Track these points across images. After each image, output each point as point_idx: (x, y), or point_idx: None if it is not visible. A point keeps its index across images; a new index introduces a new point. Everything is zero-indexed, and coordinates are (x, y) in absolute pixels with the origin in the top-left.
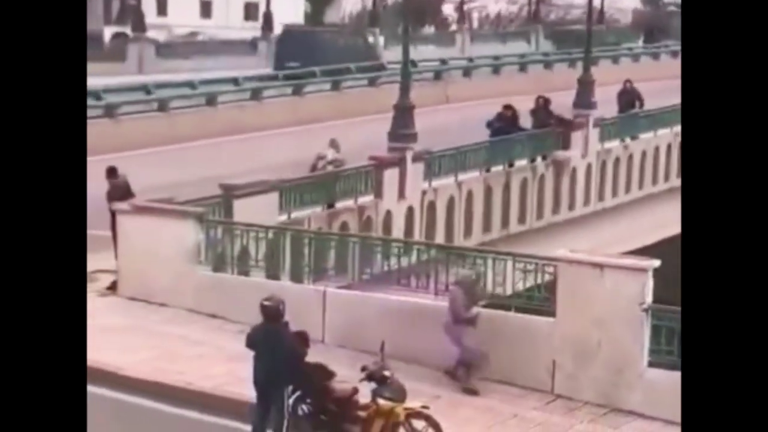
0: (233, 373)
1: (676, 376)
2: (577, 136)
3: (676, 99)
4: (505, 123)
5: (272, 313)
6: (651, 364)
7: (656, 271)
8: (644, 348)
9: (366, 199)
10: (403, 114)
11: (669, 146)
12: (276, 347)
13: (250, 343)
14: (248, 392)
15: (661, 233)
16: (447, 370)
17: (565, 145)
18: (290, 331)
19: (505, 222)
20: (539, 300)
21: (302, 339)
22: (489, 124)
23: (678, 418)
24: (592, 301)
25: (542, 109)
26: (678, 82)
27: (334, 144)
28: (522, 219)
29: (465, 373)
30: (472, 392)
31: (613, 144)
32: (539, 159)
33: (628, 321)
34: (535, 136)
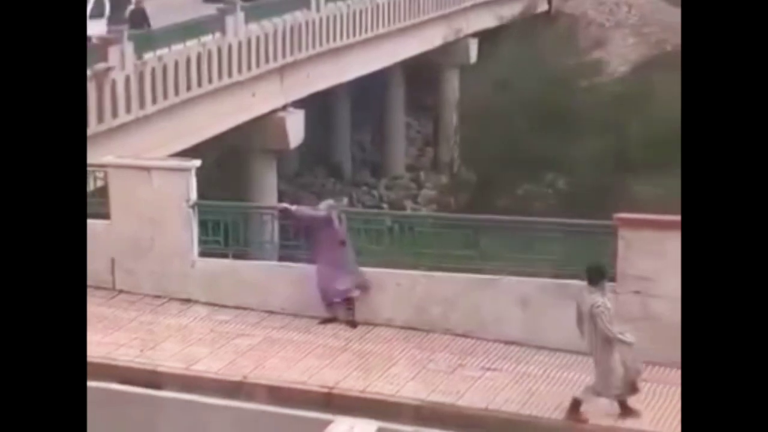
0: None
1: (224, 263)
2: (114, 50)
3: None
4: None
5: None
6: (201, 254)
7: (198, 170)
8: (194, 241)
9: None
10: None
11: (199, 55)
12: None
13: None
14: None
15: (199, 136)
16: (326, 319)
17: (104, 59)
18: None
19: None
20: (94, 205)
21: None
22: None
23: (228, 301)
24: (142, 201)
25: None
26: None
27: None
28: None
29: (348, 308)
30: (355, 324)
31: (149, 55)
32: None
33: (177, 217)
34: None
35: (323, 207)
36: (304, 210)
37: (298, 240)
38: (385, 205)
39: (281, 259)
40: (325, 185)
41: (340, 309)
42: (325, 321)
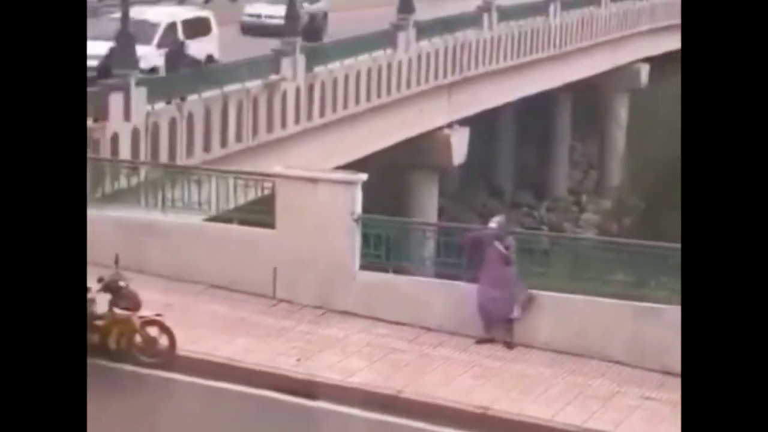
0: None
1: (384, 277)
2: (286, 62)
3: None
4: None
5: None
6: (362, 268)
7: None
8: (356, 254)
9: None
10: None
11: (369, 70)
12: None
13: None
14: None
15: (364, 150)
16: (483, 339)
17: (276, 70)
18: None
19: (224, 142)
20: (260, 213)
21: None
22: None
23: (386, 315)
24: (307, 212)
25: (177, 51)
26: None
27: None
28: (239, 138)
29: (507, 329)
30: (512, 346)
31: (320, 67)
32: (253, 82)
33: (341, 230)
34: (246, 64)
35: (494, 222)
36: (477, 231)
37: (460, 258)
38: (545, 227)
39: (438, 276)
40: (485, 204)
41: (499, 329)
42: (482, 341)
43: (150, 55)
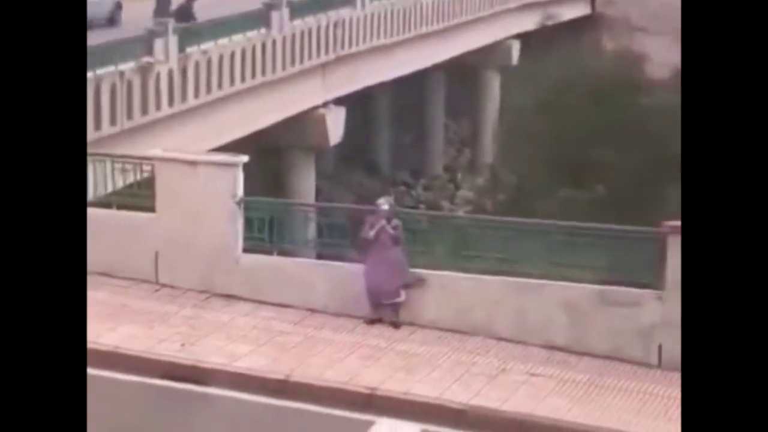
0: None
1: (268, 259)
2: (159, 43)
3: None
4: None
5: None
6: (245, 250)
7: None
8: (239, 236)
9: None
10: None
11: (243, 50)
12: None
13: None
14: None
15: (241, 131)
16: (371, 319)
17: (149, 52)
18: None
19: (97, 125)
20: (139, 197)
21: None
22: None
23: (271, 298)
24: (188, 195)
25: None
26: None
27: None
28: (113, 121)
29: (393, 310)
30: (398, 325)
31: (193, 49)
32: (126, 65)
33: (223, 213)
34: (118, 46)
35: (385, 204)
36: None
37: (343, 239)
38: (422, 206)
39: (321, 257)
40: (363, 184)
41: (386, 310)
42: (370, 321)
43: None
